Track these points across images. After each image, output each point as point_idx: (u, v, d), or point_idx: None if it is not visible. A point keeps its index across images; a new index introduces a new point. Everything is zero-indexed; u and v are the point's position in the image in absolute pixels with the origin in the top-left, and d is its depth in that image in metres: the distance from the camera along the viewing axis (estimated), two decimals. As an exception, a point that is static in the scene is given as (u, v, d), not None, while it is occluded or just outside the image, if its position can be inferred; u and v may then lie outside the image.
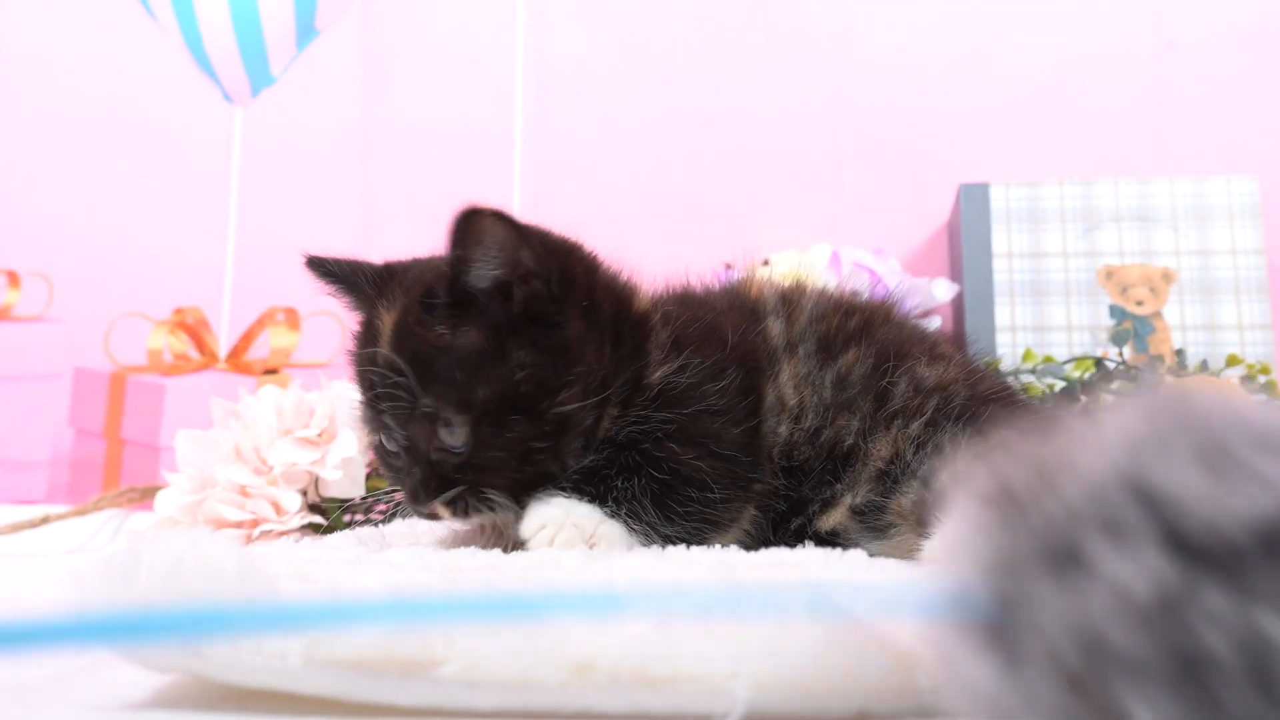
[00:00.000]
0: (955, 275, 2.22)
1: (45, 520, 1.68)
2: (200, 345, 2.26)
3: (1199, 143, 2.38)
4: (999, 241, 2.12)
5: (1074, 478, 0.43)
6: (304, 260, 1.05)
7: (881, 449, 1.02)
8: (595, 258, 1.04)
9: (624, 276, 1.07)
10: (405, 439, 0.93)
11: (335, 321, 2.30)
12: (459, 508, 0.93)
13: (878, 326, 1.12)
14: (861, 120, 2.48)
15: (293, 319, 2.24)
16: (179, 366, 2.20)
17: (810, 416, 1.05)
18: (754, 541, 1.02)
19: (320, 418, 1.49)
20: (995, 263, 2.11)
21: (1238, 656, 0.38)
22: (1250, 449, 0.41)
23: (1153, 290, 2.03)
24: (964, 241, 2.14)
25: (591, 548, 0.89)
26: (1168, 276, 2.04)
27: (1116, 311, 2.05)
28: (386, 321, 0.95)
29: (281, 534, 1.42)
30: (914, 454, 1.00)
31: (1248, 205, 2.06)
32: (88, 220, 2.56)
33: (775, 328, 1.10)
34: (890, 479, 1.01)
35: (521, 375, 0.91)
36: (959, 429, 1.00)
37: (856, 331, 1.09)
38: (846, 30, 2.53)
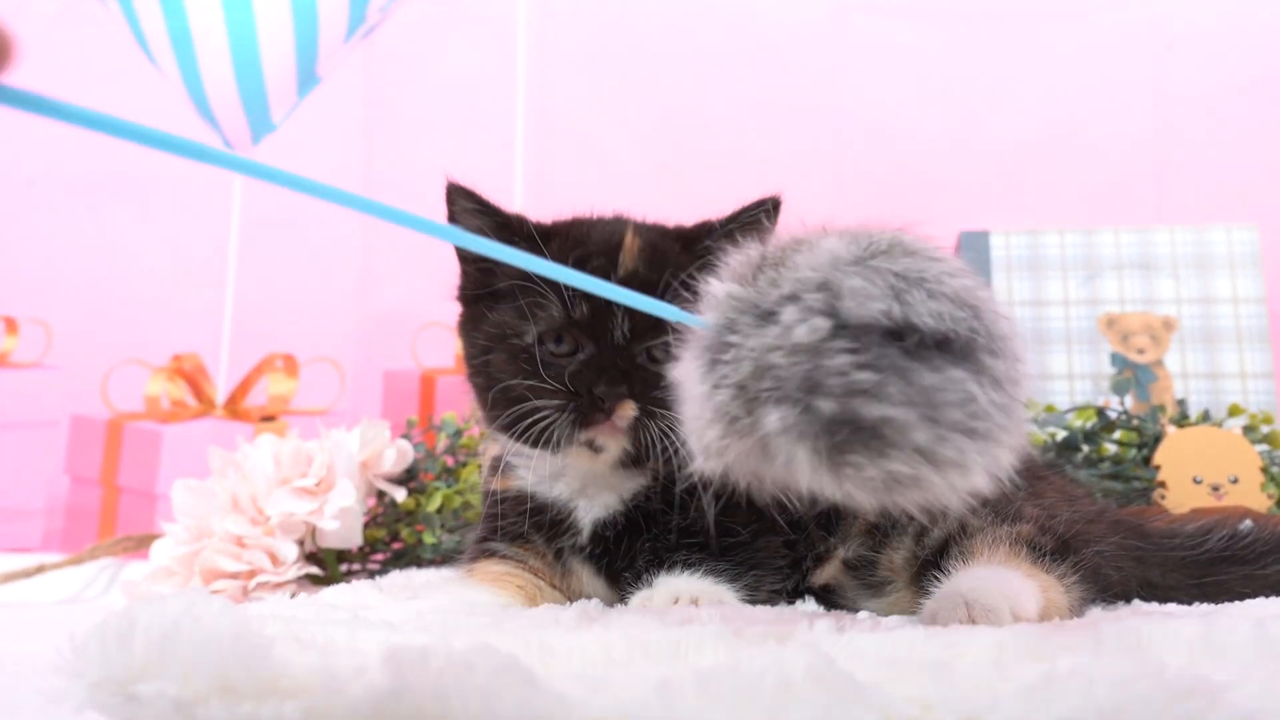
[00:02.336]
0: (956, 322, 2.21)
1: (40, 569, 1.67)
2: (198, 392, 2.25)
3: (1199, 192, 2.39)
4: (1000, 289, 2.11)
5: (790, 269, 0.68)
6: (455, 189, 1.09)
7: None
8: None
9: None
10: (623, 339, 0.96)
11: (333, 369, 2.30)
12: (643, 414, 0.95)
13: None
14: (861, 167, 2.49)
15: (291, 366, 2.24)
16: (176, 414, 2.19)
17: None
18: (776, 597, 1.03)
19: (318, 466, 1.48)
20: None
21: (839, 386, 0.62)
22: (902, 282, 0.66)
23: (1154, 338, 2.03)
24: (964, 289, 2.13)
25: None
26: (1169, 325, 2.04)
27: (1118, 360, 2.04)
28: (631, 243, 1.00)
29: (278, 585, 1.41)
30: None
31: (1248, 254, 2.06)
32: (86, 267, 2.57)
33: None
34: (880, 533, 1.01)
35: None
36: None
37: None
38: (847, 77, 2.54)
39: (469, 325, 1.07)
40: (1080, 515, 1.05)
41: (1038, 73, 2.50)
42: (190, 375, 2.25)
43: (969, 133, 2.49)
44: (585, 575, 1.06)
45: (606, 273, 0.97)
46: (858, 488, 0.64)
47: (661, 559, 0.99)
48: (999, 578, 0.87)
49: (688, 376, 0.69)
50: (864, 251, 0.69)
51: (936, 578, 0.90)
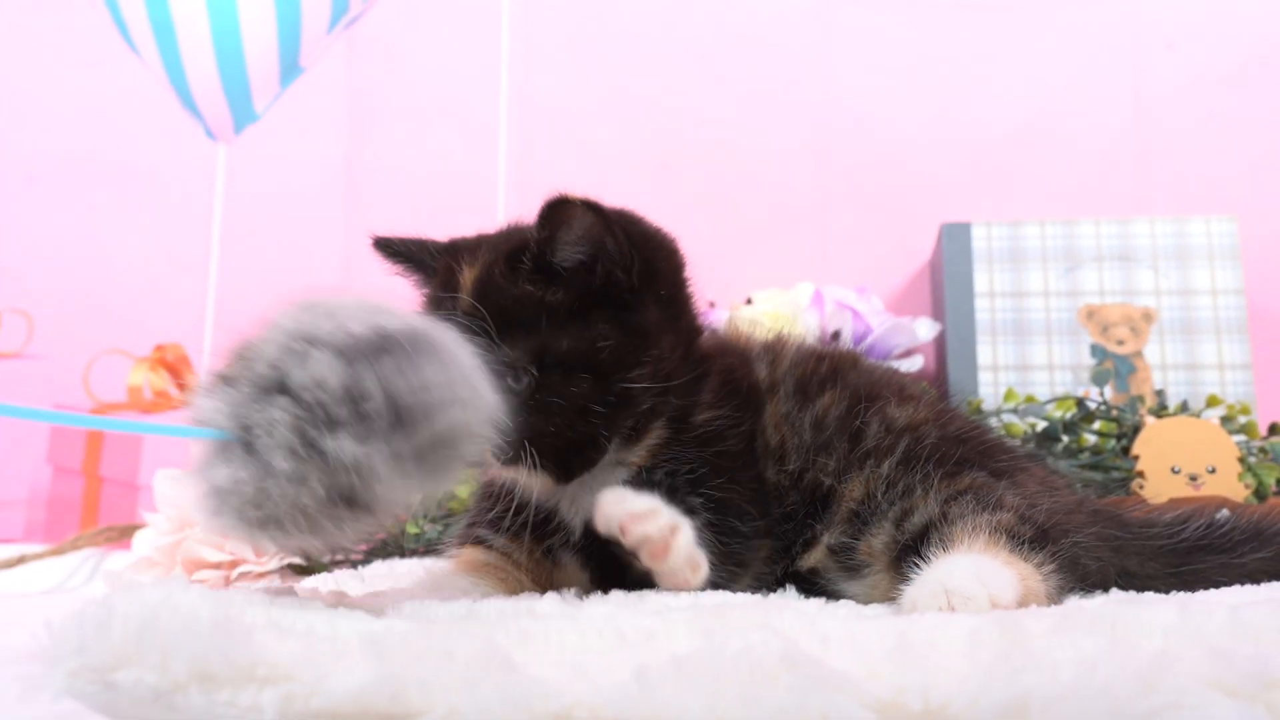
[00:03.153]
0: (937, 314, 2.22)
1: (22, 560, 1.66)
2: (181, 382, 2.24)
3: (1179, 184, 2.40)
4: (981, 281, 2.12)
5: (259, 352, 0.74)
6: (371, 242, 1.11)
7: (854, 489, 1.03)
8: (682, 258, 1.08)
9: (697, 305, 1.10)
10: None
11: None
12: (504, 457, 0.93)
13: (848, 371, 1.13)
14: (844, 160, 2.49)
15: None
16: (159, 404, 2.18)
17: (793, 458, 1.06)
18: (759, 584, 1.04)
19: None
20: (977, 302, 2.11)
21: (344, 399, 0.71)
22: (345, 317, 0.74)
23: (1133, 330, 2.04)
24: (946, 281, 2.14)
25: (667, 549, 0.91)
26: (1148, 316, 2.05)
27: (1098, 351, 2.05)
28: (467, 276, 0.99)
29: (260, 575, 1.41)
30: (884, 494, 1.01)
31: (1227, 246, 2.08)
32: (68, 257, 2.55)
33: (761, 371, 1.13)
34: (860, 519, 1.02)
35: (603, 344, 0.96)
36: (930, 469, 1.01)
37: (829, 375, 1.11)
38: (830, 71, 2.55)
39: None
40: (1060, 505, 1.05)
41: (1019, 65, 2.51)
42: (173, 365, 2.24)
43: (950, 125, 2.50)
44: (574, 567, 1.05)
45: (452, 310, 0.97)
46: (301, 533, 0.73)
47: None
48: (978, 566, 0.87)
49: (222, 472, 0.74)
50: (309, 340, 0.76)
51: (916, 564, 0.91)
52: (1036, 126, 2.47)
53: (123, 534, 1.69)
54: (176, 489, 1.48)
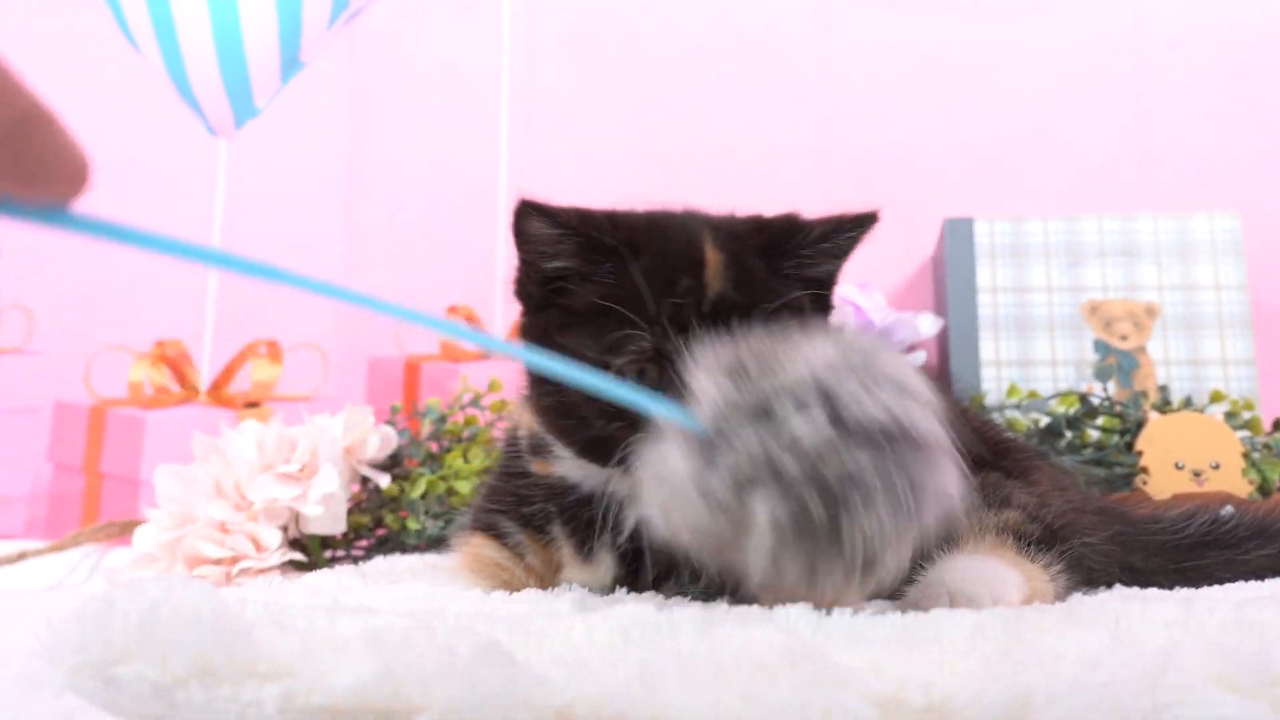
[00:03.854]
0: (940, 310, 2.22)
1: (22, 556, 1.66)
2: (181, 378, 2.24)
3: (1182, 179, 2.39)
4: (983, 276, 2.12)
5: (782, 370, 0.71)
6: (521, 206, 0.95)
7: None
8: None
9: None
10: None
11: (318, 355, 2.29)
12: None
13: None
14: (846, 155, 2.49)
15: (275, 352, 2.23)
16: (160, 400, 2.18)
17: None
18: None
19: (302, 452, 1.48)
20: (980, 297, 2.11)
21: (835, 486, 0.67)
22: (887, 387, 0.71)
23: (1137, 325, 2.04)
24: (949, 276, 2.14)
25: None
26: (1151, 311, 2.05)
27: (1101, 346, 2.05)
28: (714, 258, 0.92)
29: (261, 571, 1.41)
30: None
31: (1230, 241, 2.07)
32: (69, 252, 2.55)
33: None
34: None
35: None
36: None
37: None
38: (831, 67, 2.54)
39: (536, 336, 0.97)
40: (1071, 505, 1.05)
41: (1021, 61, 2.51)
42: (174, 361, 2.24)
43: (953, 121, 2.49)
44: (608, 564, 1.00)
45: (697, 299, 0.90)
46: (811, 584, 0.71)
47: None
48: (983, 567, 0.87)
49: (668, 455, 0.72)
50: (855, 358, 0.73)
51: (921, 563, 0.91)
52: (1039, 122, 2.47)
53: (123, 530, 1.69)
54: (177, 484, 1.48)
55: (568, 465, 0.99)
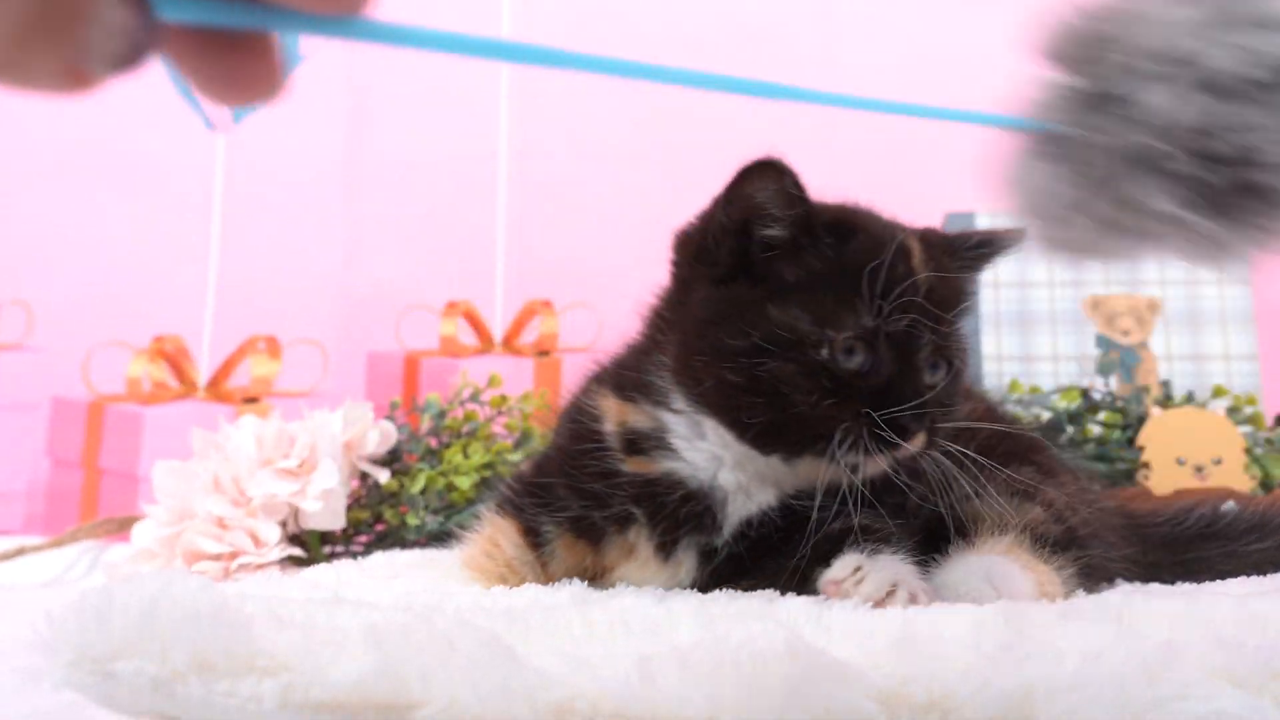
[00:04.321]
0: (940, 304, 2.21)
1: (20, 552, 1.66)
2: (180, 374, 2.24)
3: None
4: (985, 270, 2.11)
5: (1132, 43, 0.62)
6: (759, 164, 0.95)
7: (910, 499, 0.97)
8: None
9: None
10: (930, 362, 0.90)
11: (317, 350, 2.29)
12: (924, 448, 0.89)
13: None
14: (847, 147, 2.48)
15: (274, 348, 2.23)
16: (158, 395, 2.18)
17: None
18: None
19: (301, 448, 1.48)
20: (981, 292, 2.11)
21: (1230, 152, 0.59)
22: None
23: (1139, 320, 2.04)
24: (949, 271, 2.13)
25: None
26: (1153, 306, 2.05)
27: (1103, 341, 2.05)
28: (916, 249, 0.92)
29: (260, 567, 1.40)
30: (931, 497, 0.95)
31: (1232, 235, 2.07)
32: (67, 247, 2.55)
33: None
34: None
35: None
36: (977, 465, 0.96)
37: None
38: (832, 57, 2.54)
39: (728, 311, 0.90)
40: (1096, 511, 1.03)
41: (1024, 53, 2.50)
42: (172, 357, 2.23)
43: (955, 115, 2.49)
44: (690, 564, 0.94)
45: (914, 284, 0.88)
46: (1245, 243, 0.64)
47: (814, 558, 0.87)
48: (995, 570, 0.86)
49: (1028, 163, 0.68)
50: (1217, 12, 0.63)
51: (934, 557, 0.90)
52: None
53: (122, 526, 1.69)
54: (175, 480, 1.48)
55: (686, 458, 0.93)
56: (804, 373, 0.86)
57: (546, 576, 0.98)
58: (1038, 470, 1.01)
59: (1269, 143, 0.59)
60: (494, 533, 1.01)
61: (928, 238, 0.95)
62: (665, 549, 0.94)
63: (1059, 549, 0.92)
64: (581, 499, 0.96)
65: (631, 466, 0.94)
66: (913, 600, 0.79)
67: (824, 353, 0.85)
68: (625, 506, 0.94)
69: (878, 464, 0.87)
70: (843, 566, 0.83)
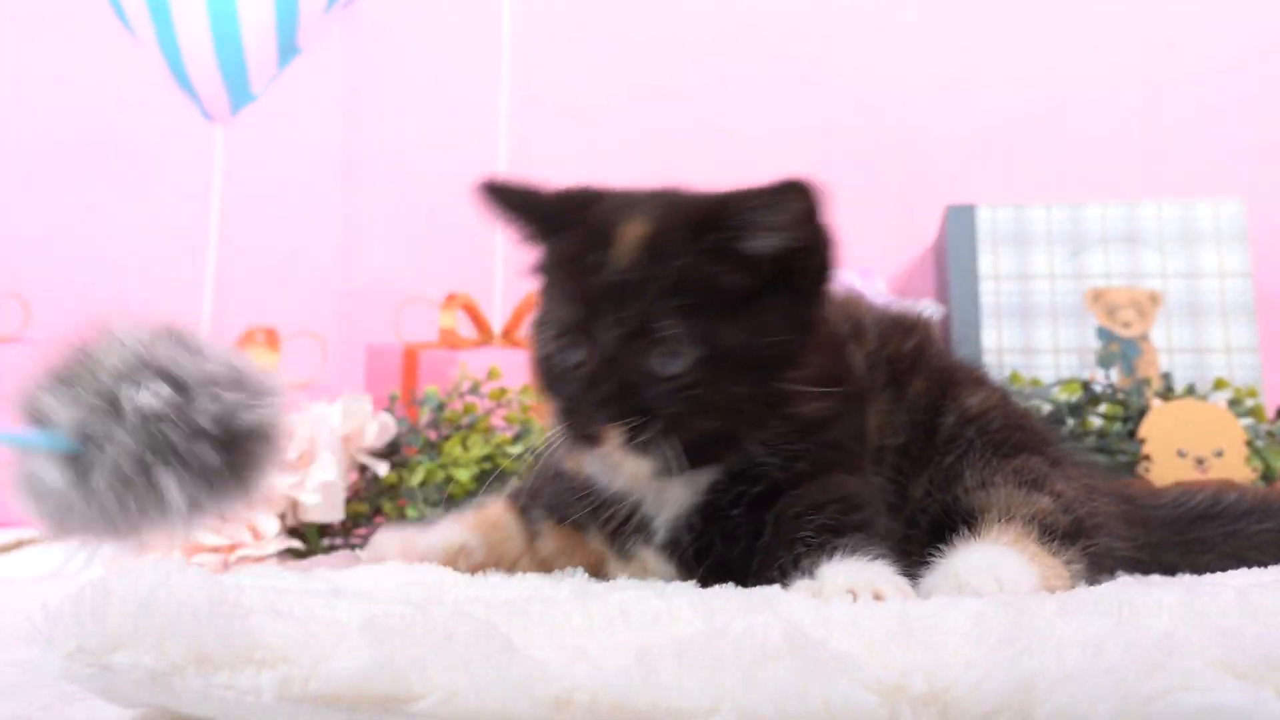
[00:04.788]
0: (941, 297, 2.21)
1: (19, 544, 1.66)
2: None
3: (1186, 166, 2.38)
4: (985, 263, 2.11)
5: (105, 365, 0.80)
6: (482, 187, 0.98)
7: (916, 489, 0.99)
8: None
9: None
10: (612, 351, 0.86)
11: (315, 342, 2.29)
12: (632, 439, 0.86)
13: (927, 347, 1.07)
14: (848, 141, 2.48)
15: (272, 339, 2.22)
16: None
17: (889, 458, 1.01)
18: None
19: (300, 440, 1.48)
20: (982, 284, 2.10)
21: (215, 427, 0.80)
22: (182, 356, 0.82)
23: (1140, 312, 2.03)
24: (950, 263, 2.13)
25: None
26: (1154, 299, 2.04)
27: (1103, 334, 2.04)
28: (630, 234, 0.89)
29: (259, 559, 1.40)
30: (939, 487, 0.97)
31: (1235, 228, 2.06)
32: (64, 240, 2.54)
33: (856, 355, 1.04)
34: (913, 520, 0.98)
35: (773, 338, 0.88)
36: (989, 455, 0.97)
37: (915, 355, 1.05)
38: (834, 52, 2.53)
39: None
40: (1105, 503, 1.02)
41: (1025, 46, 2.49)
42: (172, 350, 2.22)
43: (956, 107, 2.48)
44: (655, 563, 0.97)
45: (596, 272, 0.88)
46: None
47: (779, 546, 0.88)
48: (999, 560, 0.86)
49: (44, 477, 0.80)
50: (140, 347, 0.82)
51: (940, 548, 0.89)
52: (1042, 108, 2.46)
53: (122, 518, 1.68)
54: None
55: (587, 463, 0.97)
56: (538, 363, 0.94)
57: (533, 552, 1.04)
58: (1046, 461, 1.00)
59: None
60: (487, 512, 1.06)
61: (672, 219, 0.90)
62: (621, 551, 0.98)
63: (1067, 540, 0.91)
64: (550, 492, 1.03)
65: (570, 463, 0.99)
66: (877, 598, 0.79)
67: (544, 348, 0.92)
68: (569, 506, 0.99)
69: (627, 459, 0.89)
70: (800, 588, 0.82)
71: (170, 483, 0.77)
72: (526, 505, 1.05)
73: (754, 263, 0.88)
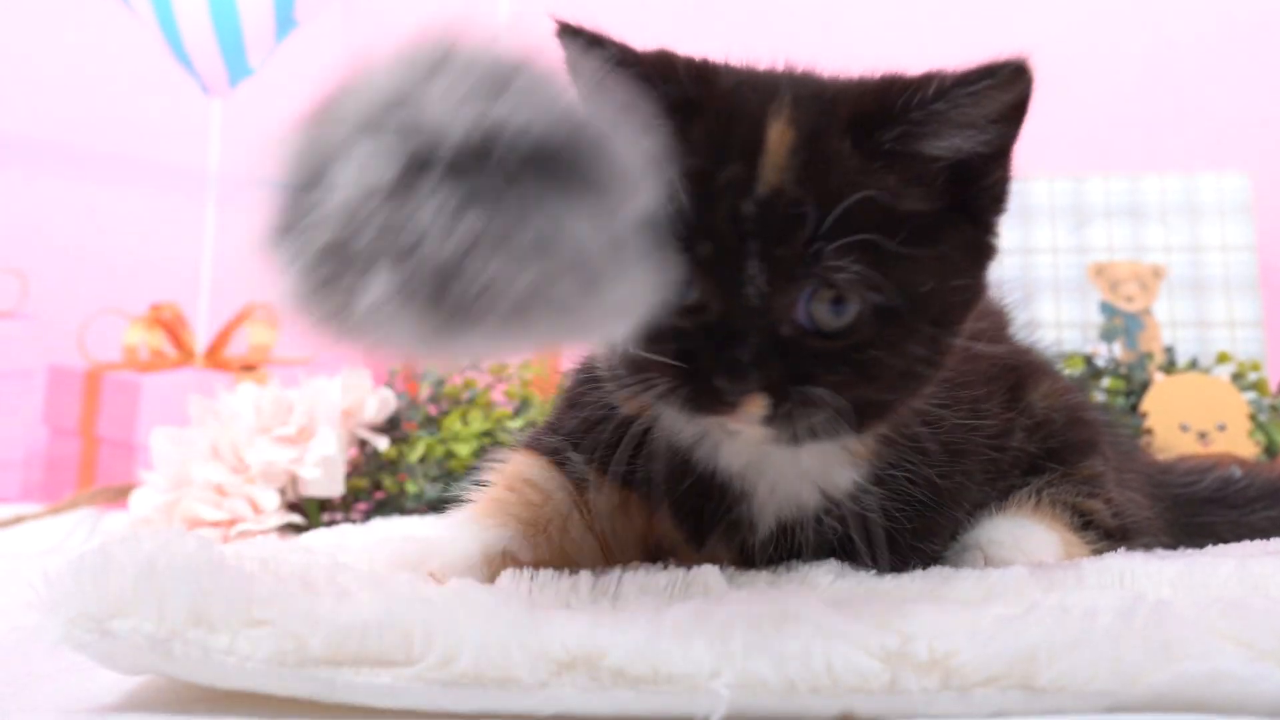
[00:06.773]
0: (942, 272, 2.20)
1: (19, 520, 1.65)
2: (177, 342, 2.23)
3: (1190, 139, 2.37)
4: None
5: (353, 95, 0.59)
6: (557, 28, 0.76)
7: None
8: None
9: None
10: (758, 295, 0.64)
11: (316, 318, 2.28)
12: (781, 412, 0.65)
13: (1003, 329, 1.03)
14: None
15: (271, 315, 2.22)
16: (155, 363, 2.17)
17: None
18: None
19: (299, 415, 1.47)
20: (983, 259, 2.09)
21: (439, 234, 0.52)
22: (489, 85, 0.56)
23: (1143, 286, 2.02)
24: (951, 238, 2.12)
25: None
26: (1158, 273, 2.03)
27: (1106, 308, 2.04)
28: (779, 138, 0.67)
29: (259, 533, 1.40)
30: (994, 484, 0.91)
31: (1239, 202, 2.05)
32: (63, 215, 2.53)
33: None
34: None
35: (959, 282, 0.69)
36: (1054, 454, 0.94)
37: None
38: (832, 21, 2.52)
39: None
40: (1151, 505, 1.01)
41: (1027, 18, 2.48)
42: (169, 325, 2.22)
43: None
44: (741, 560, 0.80)
45: (742, 193, 0.65)
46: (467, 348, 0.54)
47: None
48: (1020, 530, 0.85)
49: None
50: (441, 57, 0.58)
51: (965, 526, 0.88)
52: (1045, 81, 2.44)
53: (119, 494, 1.68)
54: (174, 447, 1.47)
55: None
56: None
57: (586, 507, 0.81)
58: (1105, 461, 0.97)
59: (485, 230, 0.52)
60: (512, 470, 0.83)
61: (823, 117, 0.69)
62: (694, 538, 0.81)
63: (1109, 540, 0.90)
64: (585, 429, 0.81)
65: (628, 406, 0.77)
66: None
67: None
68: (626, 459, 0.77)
69: (750, 429, 0.67)
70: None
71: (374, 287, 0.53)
72: (557, 449, 0.82)
73: (932, 175, 0.69)
